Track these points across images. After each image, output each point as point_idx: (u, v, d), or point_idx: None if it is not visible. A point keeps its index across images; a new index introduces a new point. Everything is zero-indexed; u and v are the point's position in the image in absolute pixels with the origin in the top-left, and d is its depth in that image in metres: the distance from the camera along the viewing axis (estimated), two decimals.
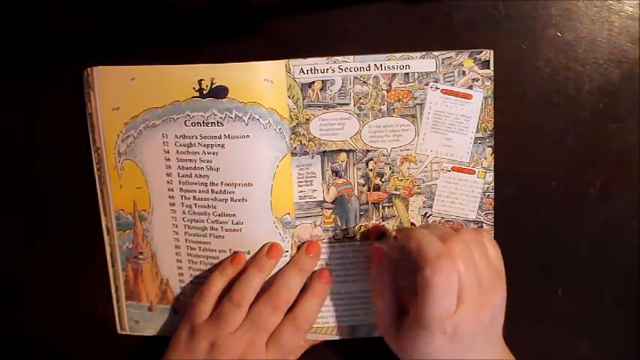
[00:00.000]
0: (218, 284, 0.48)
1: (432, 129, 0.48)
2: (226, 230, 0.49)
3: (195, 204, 0.49)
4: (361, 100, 0.48)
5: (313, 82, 0.48)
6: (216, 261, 0.50)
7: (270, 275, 0.49)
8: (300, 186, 0.50)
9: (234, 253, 0.49)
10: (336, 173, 0.49)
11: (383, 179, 0.49)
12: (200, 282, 0.51)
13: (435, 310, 0.41)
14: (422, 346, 0.42)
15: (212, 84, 0.47)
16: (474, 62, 0.47)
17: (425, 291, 0.41)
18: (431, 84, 0.48)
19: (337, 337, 0.52)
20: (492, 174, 0.49)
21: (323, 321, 0.52)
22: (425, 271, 0.40)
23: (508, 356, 0.45)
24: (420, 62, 0.47)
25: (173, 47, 0.48)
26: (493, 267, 0.43)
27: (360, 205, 0.50)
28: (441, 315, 0.40)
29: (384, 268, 0.48)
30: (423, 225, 0.50)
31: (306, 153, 0.49)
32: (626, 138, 0.48)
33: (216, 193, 0.48)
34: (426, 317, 0.41)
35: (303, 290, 0.49)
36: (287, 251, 0.50)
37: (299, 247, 0.50)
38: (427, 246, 0.42)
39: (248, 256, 0.49)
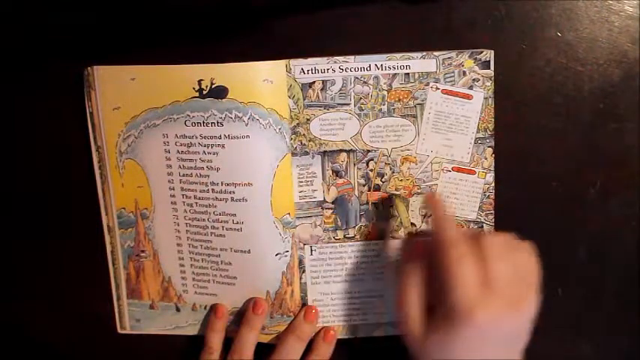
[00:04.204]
0: (215, 340, 0.51)
1: (433, 129, 0.48)
2: (227, 229, 0.49)
3: (196, 203, 0.49)
4: (362, 100, 0.48)
5: (314, 82, 0.48)
6: (217, 259, 0.50)
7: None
8: (301, 186, 0.50)
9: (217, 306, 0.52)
10: (336, 173, 0.49)
11: (383, 179, 0.49)
12: (202, 279, 0.51)
13: (464, 294, 0.39)
14: (450, 344, 0.40)
15: (212, 84, 0.47)
16: (474, 62, 0.47)
17: (451, 273, 0.39)
18: (431, 84, 0.48)
19: (337, 337, 0.52)
20: (493, 174, 0.49)
21: (323, 321, 0.52)
22: (451, 252, 0.39)
23: None
24: (420, 62, 0.47)
25: (173, 47, 0.48)
26: (529, 277, 0.41)
27: (361, 205, 0.50)
28: (470, 301, 0.39)
29: (418, 265, 0.44)
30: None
31: (306, 153, 0.49)
32: (626, 138, 0.48)
33: (217, 192, 0.49)
34: (455, 303, 0.39)
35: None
36: (287, 251, 0.50)
37: (298, 312, 0.52)
38: (452, 233, 0.41)
39: (248, 255, 0.49)
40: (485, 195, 0.49)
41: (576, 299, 0.51)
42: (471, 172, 0.49)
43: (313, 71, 0.47)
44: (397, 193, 0.50)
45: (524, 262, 0.41)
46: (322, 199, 0.50)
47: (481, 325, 0.38)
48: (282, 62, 0.47)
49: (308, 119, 0.48)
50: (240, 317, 0.51)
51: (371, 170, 0.49)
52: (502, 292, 0.39)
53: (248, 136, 0.47)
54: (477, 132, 0.48)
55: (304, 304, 0.52)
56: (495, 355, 0.40)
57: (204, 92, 0.47)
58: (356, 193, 0.50)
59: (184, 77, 0.47)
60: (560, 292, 0.51)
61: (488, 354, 0.40)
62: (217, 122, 0.47)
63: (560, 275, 0.51)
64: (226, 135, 0.47)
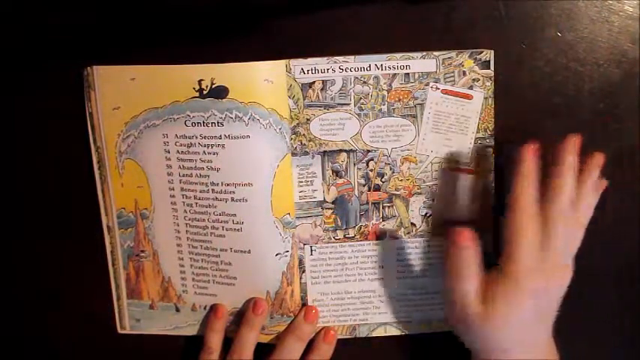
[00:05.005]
0: (214, 340, 0.51)
1: (433, 129, 0.48)
2: (227, 230, 0.49)
3: (196, 203, 0.49)
4: (362, 100, 0.48)
5: (314, 82, 0.48)
6: (217, 259, 0.50)
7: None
8: (301, 186, 0.50)
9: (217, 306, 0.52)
10: (336, 173, 0.49)
11: (383, 179, 0.49)
12: (202, 280, 0.51)
13: (525, 252, 0.42)
14: (514, 318, 0.42)
15: (212, 84, 0.47)
16: (474, 62, 0.47)
17: (511, 229, 0.43)
18: (431, 84, 0.48)
19: (337, 337, 0.52)
20: (493, 174, 0.49)
21: (323, 321, 0.52)
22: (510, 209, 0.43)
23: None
24: (420, 62, 0.47)
25: (173, 47, 0.48)
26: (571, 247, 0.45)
27: (361, 205, 0.50)
28: (532, 260, 0.42)
29: (472, 250, 0.44)
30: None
31: (306, 153, 0.49)
32: (626, 138, 0.48)
33: (217, 192, 0.49)
34: (512, 271, 0.42)
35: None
36: (287, 251, 0.50)
37: (298, 313, 0.52)
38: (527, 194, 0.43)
39: (248, 255, 0.49)
40: (485, 195, 0.49)
41: (576, 299, 0.51)
42: (470, 172, 0.49)
43: (313, 71, 0.47)
44: (397, 193, 0.50)
45: (574, 232, 0.44)
46: (322, 199, 0.50)
47: (537, 290, 0.42)
48: (282, 62, 0.47)
49: (308, 119, 0.48)
50: (240, 317, 0.51)
51: (371, 170, 0.49)
52: (557, 260, 0.42)
53: (248, 136, 0.47)
54: (477, 132, 0.48)
55: (304, 304, 0.52)
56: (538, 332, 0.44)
57: (205, 92, 0.47)
58: (356, 193, 0.50)
59: (184, 77, 0.47)
60: None
61: (536, 329, 0.43)
62: (217, 122, 0.47)
63: None
64: (226, 135, 0.47)
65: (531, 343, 0.44)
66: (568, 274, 0.43)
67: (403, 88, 0.48)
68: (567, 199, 0.43)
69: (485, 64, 0.47)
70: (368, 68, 0.47)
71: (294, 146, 0.49)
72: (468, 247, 0.44)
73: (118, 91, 0.48)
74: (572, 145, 0.44)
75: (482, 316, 0.43)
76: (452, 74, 0.47)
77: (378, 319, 0.52)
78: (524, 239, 0.42)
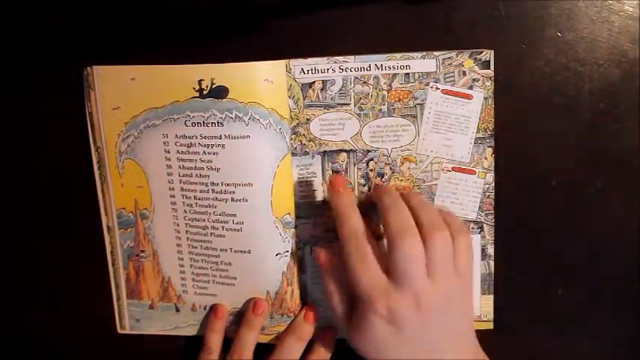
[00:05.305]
0: (214, 340, 0.51)
1: (433, 129, 0.48)
2: (227, 230, 0.49)
3: (196, 203, 0.49)
4: (362, 101, 0.48)
5: (314, 82, 0.48)
6: (217, 259, 0.50)
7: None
8: (301, 186, 0.50)
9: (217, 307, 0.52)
10: (336, 173, 0.49)
11: (383, 179, 0.49)
12: (202, 280, 0.51)
13: (364, 283, 0.42)
14: (367, 336, 0.42)
15: (212, 84, 0.47)
16: (474, 62, 0.47)
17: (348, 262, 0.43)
18: (431, 84, 0.48)
19: (337, 337, 0.52)
20: (493, 174, 0.49)
21: (323, 320, 0.52)
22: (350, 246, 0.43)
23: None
24: (420, 62, 0.47)
25: (173, 47, 0.48)
26: (460, 264, 0.43)
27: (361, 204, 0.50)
28: (371, 290, 0.41)
29: (334, 266, 0.46)
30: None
31: (306, 153, 0.49)
32: (626, 138, 0.48)
33: (217, 193, 0.48)
34: (359, 294, 0.42)
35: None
36: (287, 251, 0.50)
37: (298, 313, 0.52)
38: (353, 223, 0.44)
39: (248, 255, 0.49)
40: (485, 195, 0.49)
41: (576, 299, 0.51)
42: (471, 172, 0.49)
43: (313, 71, 0.47)
44: None
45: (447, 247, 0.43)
46: (322, 199, 0.50)
47: (389, 318, 0.41)
48: (282, 62, 0.47)
49: (308, 119, 0.48)
50: (240, 317, 0.51)
51: (371, 170, 0.49)
52: (407, 282, 0.41)
53: (248, 136, 0.47)
54: (477, 132, 0.48)
55: (304, 304, 0.52)
56: (423, 340, 0.42)
57: (205, 92, 0.47)
58: (356, 193, 0.50)
59: (184, 77, 0.47)
60: (560, 292, 0.51)
61: (413, 339, 0.42)
62: (217, 122, 0.47)
63: (560, 275, 0.51)
64: (226, 135, 0.47)
65: None
66: (424, 293, 0.41)
67: (403, 88, 0.48)
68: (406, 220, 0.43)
69: (486, 64, 0.47)
70: (368, 68, 0.47)
71: (294, 146, 0.49)
72: (332, 270, 0.46)
73: (118, 91, 0.48)
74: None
75: (349, 336, 0.45)
76: (452, 74, 0.47)
77: None
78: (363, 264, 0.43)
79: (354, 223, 0.44)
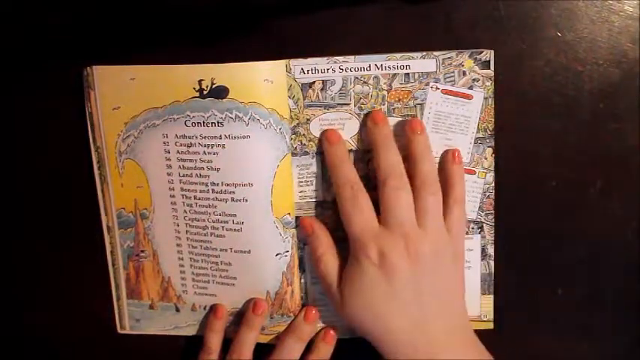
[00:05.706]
0: (214, 340, 0.51)
1: (433, 129, 0.48)
2: (227, 230, 0.49)
3: (196, 203, 0.49)
4: (362, 100, 0.48)
5: (313, 82, 0.48)
6: (217, 259, 0.50)
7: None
8: (301, 186, 0.50)
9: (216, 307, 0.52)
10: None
11: None
12: (201, 280, 0.51)
13: (357, 229, 0.44)
14: (358, 288, 0.44)
15: (212, 84, 0.47)
16: (474, 62, 0.47)
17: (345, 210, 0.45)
18: (431, 84, 0.48)
19: (337, 337, 0.52)
20: (493, 174, 0.49)
21: (323, 321, 0.52)
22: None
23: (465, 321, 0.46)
24: (420, 62, 0.47)
25: (173, 47, 0.48)
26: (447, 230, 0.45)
27: None
28: (363, 235, 0.44)
29: (320, 233, 0.49)
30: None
31: (306, 153, 0.49)
32: (626, 138, 0.48)
33: (217, 193, 0.48)
34: (351, 240, 0.44)
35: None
36: (287, 251, 0.50)
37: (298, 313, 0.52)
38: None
39: (248, 256, 0.49)
40: (485, 195, 0.49)
41: (576, 299, 0.51)
42: (470, 172, 0.49)
43: (313, 71, 0.47)
44: None
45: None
46: (322, 199, 0.50)
47: (380, 263, 0.43)
48: (282, 62, 0.47)
49: (308, 119, 0.48)
50: (239, 318, 0.51)
51: (371, 170, 0.49)
52: (397, 227, 0.43)
53: (248, 137, 0.47)
54: (477, 132, 0.48)
55: (304, 304, 0.52)
56: (409, 292, 0.43)
57: (205, 92, 0.47)
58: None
59: (184, 77, 0.47)
60: (560, 292, 0.51)
61: (403, 288, 0.43)
62: (217, 122, 0.47)
63: (560, 275, 0.51)
64: (227, 135, 0.47)
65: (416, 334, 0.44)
66: (423, 241, 0.43)
67: (403, 88, 0.48)
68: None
69: (486, 64, 0.47)
70: (368, 68, 0.47)
71: (294, 146, 0.49)
72: (318, 236, 0.48)
73: (118, 91, 0.48)
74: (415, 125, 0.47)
75: (340, 306, 0.46)
76: (452, 74, 0.47)
77: None
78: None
79: (347, 172, 0.46)
